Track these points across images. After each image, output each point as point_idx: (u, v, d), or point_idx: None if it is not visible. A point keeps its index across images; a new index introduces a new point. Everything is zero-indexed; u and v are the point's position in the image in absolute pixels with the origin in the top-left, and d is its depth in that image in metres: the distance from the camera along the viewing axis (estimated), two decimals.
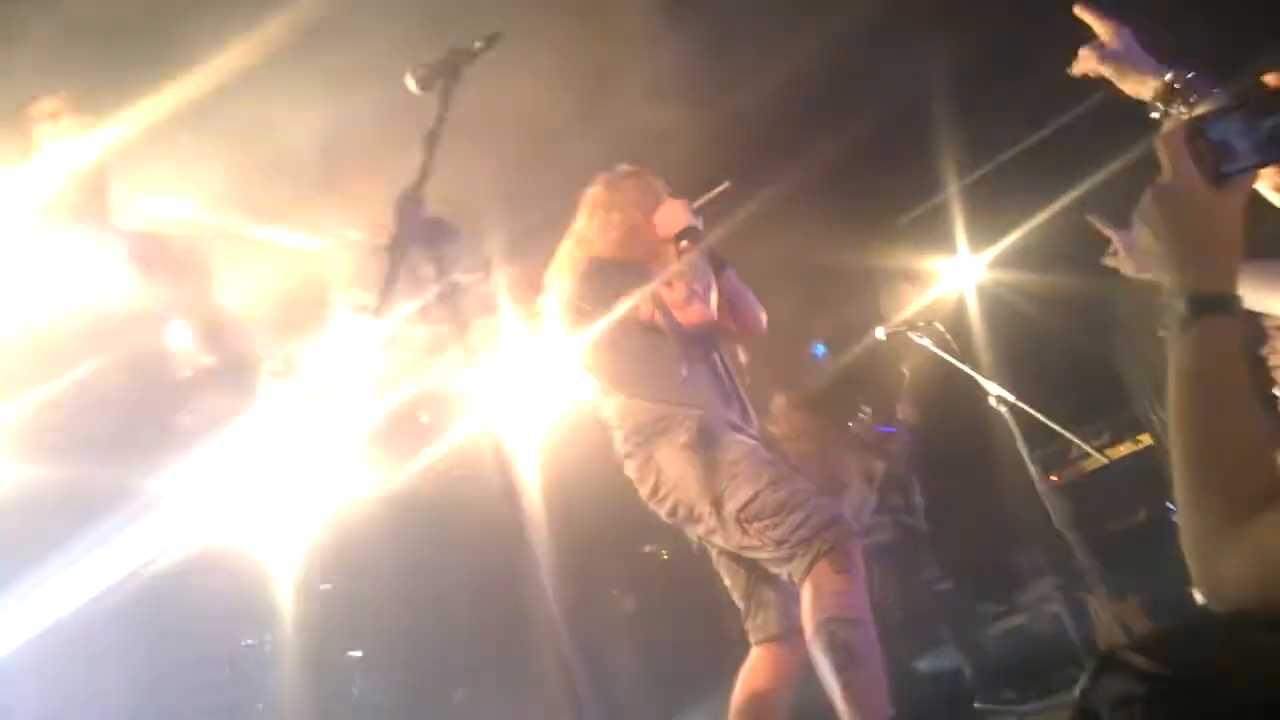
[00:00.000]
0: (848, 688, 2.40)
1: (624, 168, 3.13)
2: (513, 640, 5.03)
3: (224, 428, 2.08)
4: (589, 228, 3.04)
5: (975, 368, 4.17)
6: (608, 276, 2.89)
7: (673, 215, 2.93)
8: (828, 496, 2.72)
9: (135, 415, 2.03)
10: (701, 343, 2.93)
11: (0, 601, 1.83)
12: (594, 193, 3.09)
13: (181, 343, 2.17)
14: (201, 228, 3.65)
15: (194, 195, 3.48)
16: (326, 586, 4.34)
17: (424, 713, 4.62)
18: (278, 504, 3.69)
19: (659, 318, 2.83)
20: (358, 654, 4.41)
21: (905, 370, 4.90)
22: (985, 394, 3.93)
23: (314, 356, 2.23)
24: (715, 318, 2.88)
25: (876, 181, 5.12)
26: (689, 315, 2.81)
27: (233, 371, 2.21)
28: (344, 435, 3.59)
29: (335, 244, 4.20)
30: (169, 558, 1.96)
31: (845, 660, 2.41)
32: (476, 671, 4.77)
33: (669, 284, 2.83)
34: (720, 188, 2.93)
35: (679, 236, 2.88)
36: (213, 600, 2.26)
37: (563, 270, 3.03)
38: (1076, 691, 0.90)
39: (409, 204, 1.63)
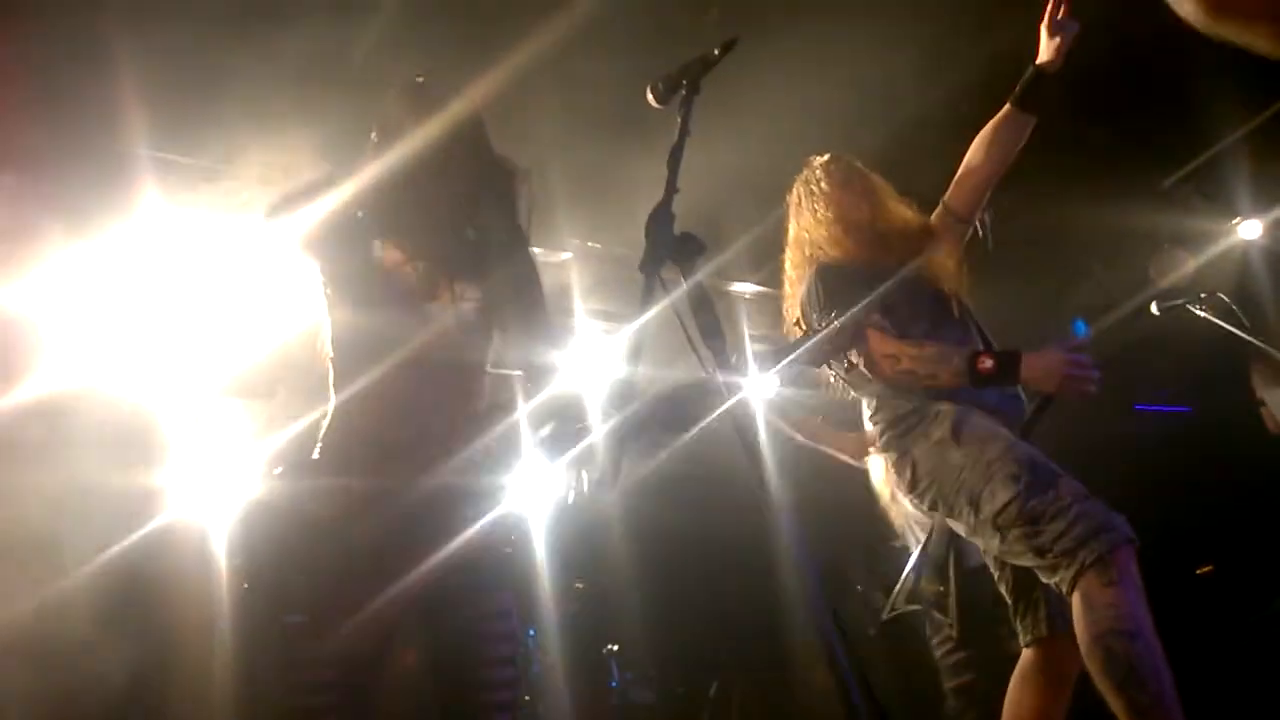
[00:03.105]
0: (1131, 707, 2.20)
1: (818, 159, 3.05)
2: (762, 633, 5.04)
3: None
4: (801, 226, 2.98)
5: (1267, 341, 3.72)
6: (831, 289, 2.78)
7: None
8: (1097, 501, 2.47)
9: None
10: (952, 320, 2.80)
11: None
12: (794, 194, 3.04)
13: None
14: None
15: None
16: (580, 585, 4.50)
17: (680, 703, 4.70)
18: (531, 507, 3.87)
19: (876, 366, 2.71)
20: (614, 648, 4.55)
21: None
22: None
23: (559, 363, 2.29)
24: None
25: (1138, 141, 4.65)
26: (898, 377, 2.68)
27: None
28: (588, 437, 3.68)
29: (578, 254, 4.35)
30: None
31: (1126, 677, 2.21)
32: (729, 665, 4.81)
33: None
34: None
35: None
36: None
37: (792, 279, 3.00)
38: None
39: (659, 222, 1.63)
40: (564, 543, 4.38)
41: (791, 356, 2.84)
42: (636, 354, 1.82)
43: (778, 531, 1.58)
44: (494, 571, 2.07)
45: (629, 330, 1.82)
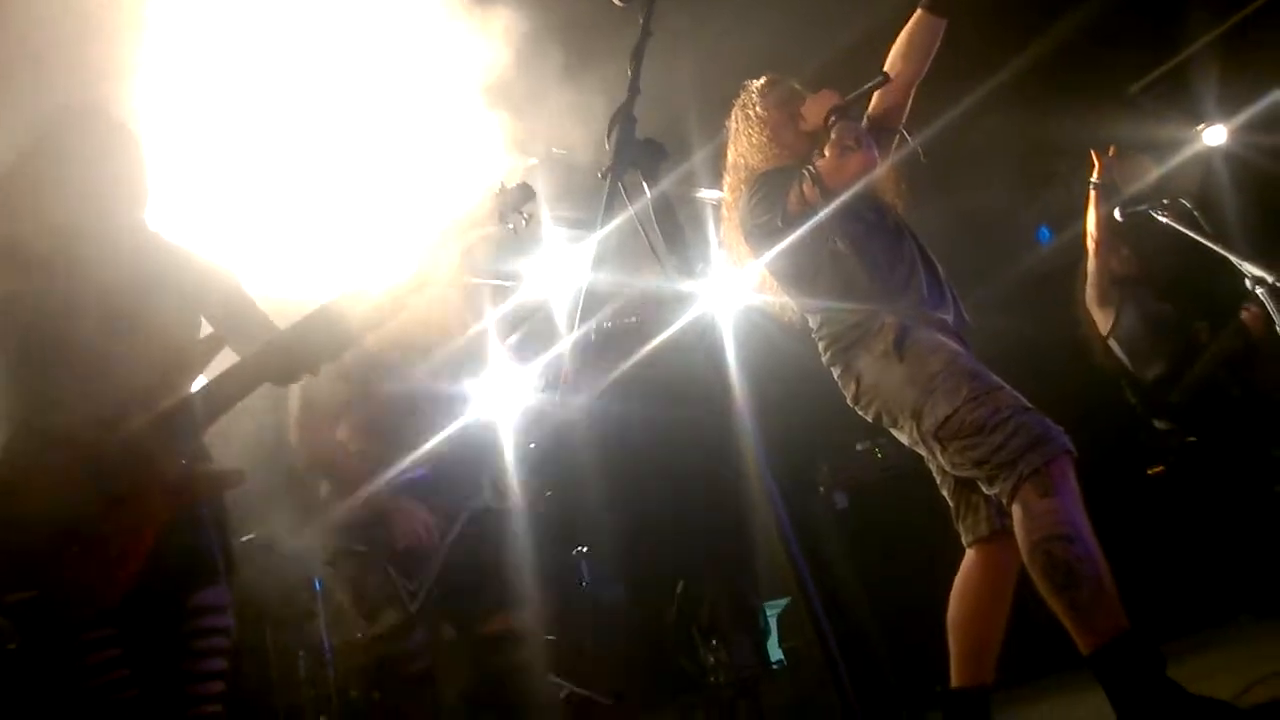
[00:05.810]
0: (1072, 607, 2.30)
1: (755, 83, 3.04)
2: (729, 533, 5.17)
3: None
4: (738, 151, 2.99)
5: (1228, 247, 3.76)
6: (768, 184, 2.80)
7: (819, 104, 2.82)
8: (1036, 413, 2.50)
9: None
10: (887, 229, 2.81)
11: None
12: (733, 118, 3.04)
13: None
14: None
15: None
16: (549, 492, 4.57)
17: (649, 600, 4.82)
18: (502, 415, 3.91)
19: (816, 196, 2.65)
20: (584, 549, 4.64)
21: None
22: (1240, 275, 3.56)
23: (526, 270, 2.26)
24: (876, 160, 2.67)
25: (1105, 48, 4.61)
26: (845, 171, 2.63)
27: None
28: (557, 343, 3.71)
29: (543, 160, 4.28)
30: None
31: (1066, 579, 2.30)
32: (695, 564, 4.93)
33: (820, 155, 2.69)
34: (874, 82, 2.75)
35: (827, 118, 2.75)
36: None
37: (729, 203, 3.02)
38: None
39: (623, 126, 1.60)
40: (535, 450, 4.43)
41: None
42: (600, 261, 1.81)
43: (741, 434, 1.61)
44: (191, 569, 2.03)
45: (593, 238, 1.79)
